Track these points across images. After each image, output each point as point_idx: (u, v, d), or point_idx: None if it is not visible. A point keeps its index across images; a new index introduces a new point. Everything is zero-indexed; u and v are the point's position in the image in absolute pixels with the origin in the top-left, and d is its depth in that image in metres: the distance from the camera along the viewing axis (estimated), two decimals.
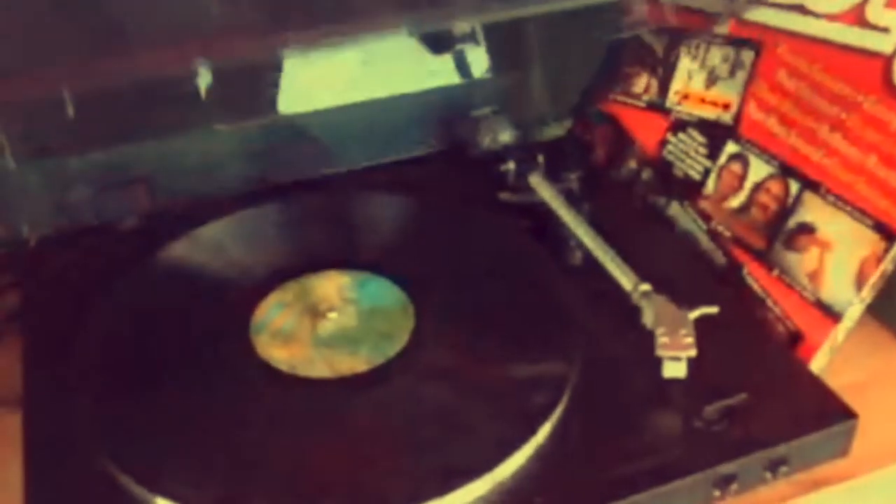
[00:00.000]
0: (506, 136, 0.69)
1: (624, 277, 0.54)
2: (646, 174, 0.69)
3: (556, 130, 0.80)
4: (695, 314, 0.51)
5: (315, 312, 0.53)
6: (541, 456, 0.46)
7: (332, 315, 0.53)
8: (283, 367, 0.50)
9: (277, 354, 0.51)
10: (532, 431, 0.47)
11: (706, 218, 0.63)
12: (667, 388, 0.50)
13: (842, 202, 0.53)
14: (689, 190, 0.64)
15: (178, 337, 0.52)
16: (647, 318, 0.52)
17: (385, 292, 0.55)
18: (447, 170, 0.71)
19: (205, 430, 0.47)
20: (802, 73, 0.56)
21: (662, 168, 0.67)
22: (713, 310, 0.51)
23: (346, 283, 0.56)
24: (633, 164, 0.71)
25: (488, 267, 0.59)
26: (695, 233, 0.63)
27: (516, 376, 0.51)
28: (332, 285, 0.56)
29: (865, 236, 0.52)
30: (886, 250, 0.50)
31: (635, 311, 0.54)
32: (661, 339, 0.49)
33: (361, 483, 0.45)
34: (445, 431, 0.47)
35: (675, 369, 0.49)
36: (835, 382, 0.56)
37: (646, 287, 0.53)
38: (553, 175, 0.66)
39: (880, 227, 0.51)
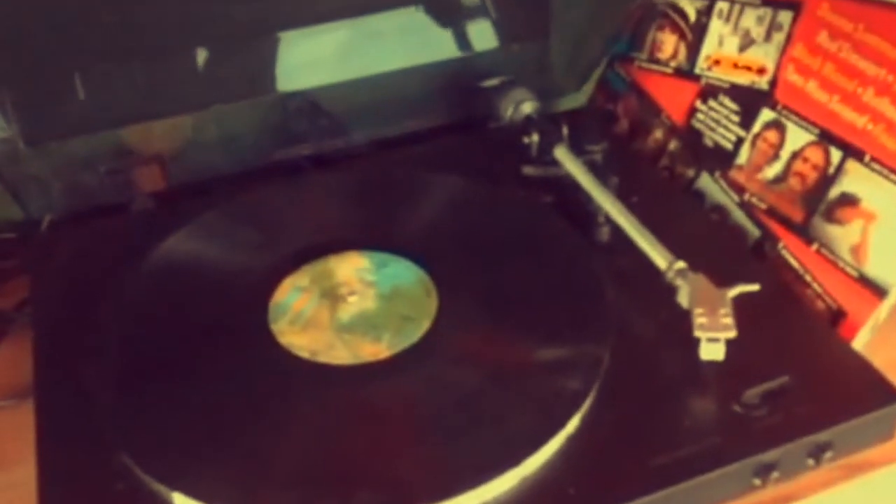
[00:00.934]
0: (528, 107, 0.66)
1: (658, 255, 0.52)
2: (673, 145, 0.66)
3: (576, 101, 0.77)
4: (734, 292, 0.48)
5: (334, 296, 0.51)
6: (573, 445, 0.44)
7: (353, 299, 0.51)
8: (304, 354, 0.48)
9: (297, 341, 0.49)
10: (562, 422, 0.44)
11: (739, 190, 0.60)
12: (704, 372, 0.47)
13: (888, 171, 0.50)
14: (721, 160, 0.61)
15: (194, 327, 0.50)
16: (683, 298, 0.49)
17: (406, 273, 0.53)
18: (467, 143, 0.69)
19: (225, 422, 0.45)
20: (845, 33, 0.53)
21: (691, 138, 0.64)
22: (753, 287, 0.49)
23: (365, 264, 0.54)
24: (659, 135, 0.68)
25: (513, 245, 0.56)
26: (727, 206, 0.61)
27: (545, 361, 0.49)
28: (350, 267, 0.53)
29: None
30: None
31: (668, 291, 0.51)
32: (699, 320, 0.47)
33: (387, 474, 0.43)
34: (471, 421, 0.45)
35: (713, 351, 0.47)
36: (875, 360, 0.54)
37: (681, 265, 0.50)
38: (575, 147, 0.64)
39: None
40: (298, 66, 0.67)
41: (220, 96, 0.65)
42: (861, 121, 0.52)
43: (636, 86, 0.69)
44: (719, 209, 0.61)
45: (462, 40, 0.73)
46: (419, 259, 0.54)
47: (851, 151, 0.52)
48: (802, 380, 0.47)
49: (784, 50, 0.57)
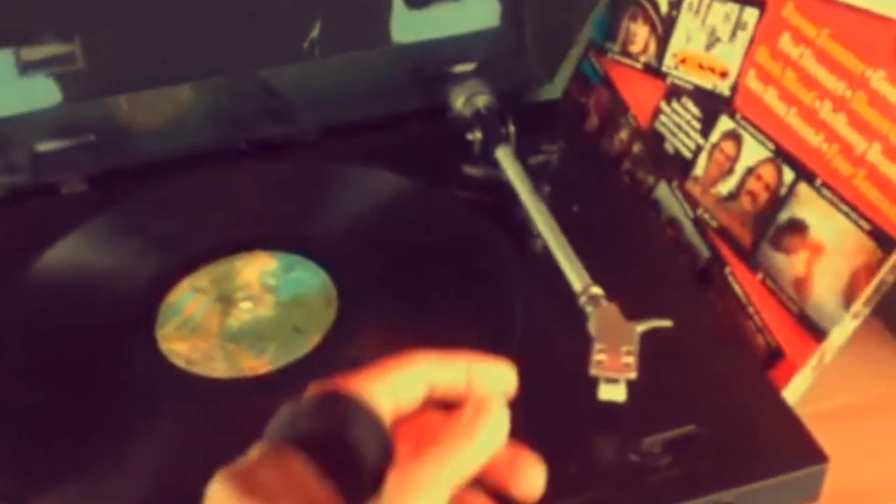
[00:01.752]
0: (480, 101, 0.61)
1: (575, 275, 0.47)
2: (637, 147, 0.61)
3: (553, 92, 0.72)
4: (643, 327, 0.44)
5: (230, 301, 0.48)
6: None
7: (246, 305, 0.48)
8: (181, 363, 0.45)
9: (178, 348, 0.46)
10: None
11: (694, 203, 0.54)
12: (605, 411, 0.43)
13: (838, 199, 0.44)
14: (680, 169, 0.56)
15: (83, 329, 0.47)
16: (592, 327, 0.45)
17: (311, 280, 0.49)
18: (423, 135, 0.65)
19: (84, 434, 0.43)
20: (808, 38, 0.47)
21: (653, 142, 0.59)
22: (666, 323, 0.44)
23: (271, 267, 0.50)
24: (624, 135, 0.62)
25: (436, 252, 0.52)
26: (680, 220, 0.55)
27: None
28: (255, 269, 0.50)
29: (860, 242, 0.43)
30: (882, 261, 0.42)
31: (582, 316, 0.47)
32: (598, 357, 0.42)
33: None
34: None
35: (612, 392, 0.42)
36: (823, 404, 0.49)
37: (596, 290, 0.46)
38: (531, 146, 0.59)
39: (878, 234, 0.42)
40: (247, 47, 0.64)
41: (165, 76, 0.62)
42: (816, 139, 0.46)
43: (608, 79, 0.64)
44: (673, 223, 0.56)
45: (430, 23, 0.68)
46: (328, 265, 0.51)
47: (803, 173, 0.47)
48: (714, 429, 0.42)
49: (747, 52, 0.51)
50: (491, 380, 0.34)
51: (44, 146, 0.59)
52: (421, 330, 0.48)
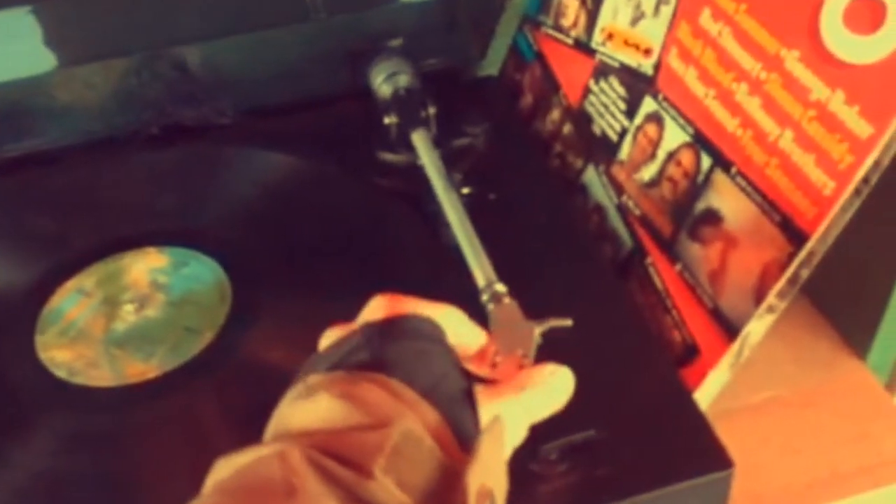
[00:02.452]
0: (402, 80, 0.58)
1: (478, 270, 0.45)
2: (567, 128, 0.58)
3: (491, 68, 0.69)
4: (542, 328, 0.41)
5: (115, 303, 0.46)
6: None
7: (130, 307, 0.46)
8: (61, 373, 0.43)
9: (60, 356, 0.44)
10: None
11: (618, 189, 0.52)
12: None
13: (751, 188, 0.41)
14: (606, 153, 0.53)
15: None
16: (491, 326, 0.42)
17: (205, 275, 0.47)
18: (349, 118, 0.62)
19: None
20: (727, 14, 0.44)
21: (582, 123, 0.56)
22: (565, 322, 0.41)
23: (162, 264, 0.48)
24: (556, 115, 0.59)
25: (337, 244, 0.50)
26: (606, 206, 0.53)
27: None
28: (144, 267, 0.48)
29: (771, 235, 0.40)
30: (792, 256, 0.39)
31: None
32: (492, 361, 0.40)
33: None
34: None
35: None
36: (746, 399, 0.47)
37: (500, 288, 0.43)
38: (455, 128, 0.56)
39: (787, 226, 0.39)
40: (159, 23, 0.61)
41: (67, 57, 0.59)
42: (732, 124, 0.43)
43: (540, 55, 0.61)
44: (599, 210, 0.53)
45: None
46: (223, 258, 0.48)
47: (720, 160, 0.44)
48: (616, 433, 0.40)
49: (669, 28, 0.48)
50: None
51: None
52: (319, 321, 0.45)
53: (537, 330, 0.41)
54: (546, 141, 0.60)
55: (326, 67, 0.65)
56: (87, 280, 0.47)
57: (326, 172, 0.54)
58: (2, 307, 0.46)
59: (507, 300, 0.42)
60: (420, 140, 0.53)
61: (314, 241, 0.50)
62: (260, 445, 0.29)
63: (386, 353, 0.32)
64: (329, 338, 0.34)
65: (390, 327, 0.33)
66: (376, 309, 0.34)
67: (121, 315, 0.45)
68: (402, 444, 0.28)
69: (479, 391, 0.33)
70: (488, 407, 0.33)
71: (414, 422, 0.29)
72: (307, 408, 0.30)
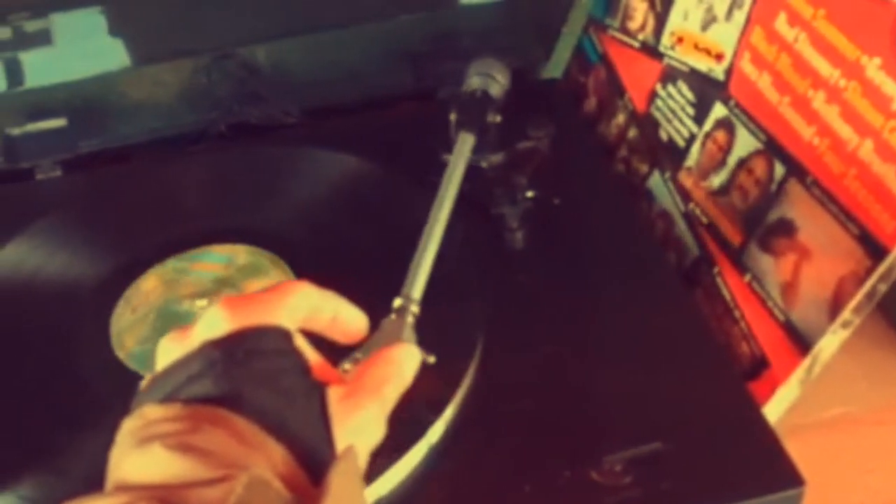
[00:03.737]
0: (492, 85, 0.56)
1: (413, 279, 0.42)
2: (633, 133, 0.57)
3: (553, 71, 0.68)
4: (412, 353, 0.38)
5: (184, 298, 0.47)
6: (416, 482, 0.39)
7: (201, 303, 0.46)
8: (136, 365, 0.44)
9: (134, 349, 0.44)
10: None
11: (685, 196, 0.51)
12: (565, 424, 0.41)
13: (827, 199, 0.40)
14: (673, 158, 0.52)
15: (32, 347, 0.45)
16: (378, 330, 0.40)
17: (270, 273, 0.47)
18: (412, 119, 0.62)
19: (46, 455, 0.41)
20: (804, 20, 0.43)
21: (648, 128, 0.55)
22: (429, 359, 0.39)
23: (229, 259, 0.49)
24: (621, 119, 0.59)
25: (401, 244, 0.49)
26: (672, 213, 0.52)
27: None
28: (209, 264, 0.48)
29: (848, 248, 0.39)
30: (870, 270, 0.38)
31: (551, 324, 0.45)
32: (345, 365, 0.38)
33: None
34: None
35: None
36: (816, 415, 0.46)
37: (413, 308, 0.41)
38: (519, 131, 0.56)
39: (866, 239, 0.38)
40: (228, 24, 0.62)
41: (138, 56, 0.60)
42: (808, 132, 0.42)
43: (606, 58, 0.60)
44: (665, 216, 0.53)
45: None
46: (287, 256, 0.48)
47: (794, 168, 0.43)
48: (683, 447, 0.39)
49: (743, 33, 0.47)
50: (355, 321, 0.36)
51: (16, 130, 0.58)
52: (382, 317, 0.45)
53: None
54: (610, 145, 0.59)
55: (390, 68, 0.66)
56: (157, 275, 0.48)
57: (391, 174, 0.54)
58: (76, 301, 0.47)
59: (409, 319, 0.41)
60: (463, 141, 0.52)
61: (377, 242, 0.50)
62: (102, 496, 0.26)
63: (230, 381, 0.28)
64: (166, 353, 0.31)
65: (234, 347, 0.29)
66: (216, 322, 0.30)
67: (192, 310, 0.46)
68: (246, 496, 0.25)
69: (338, 410, 0.30)
70: (352, 420, 0.30)
71: (260, 467, 0.26)
72: (142, 461, 0.27)
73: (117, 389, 0.43)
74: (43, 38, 0.58)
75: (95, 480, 0.39)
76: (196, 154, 0.59)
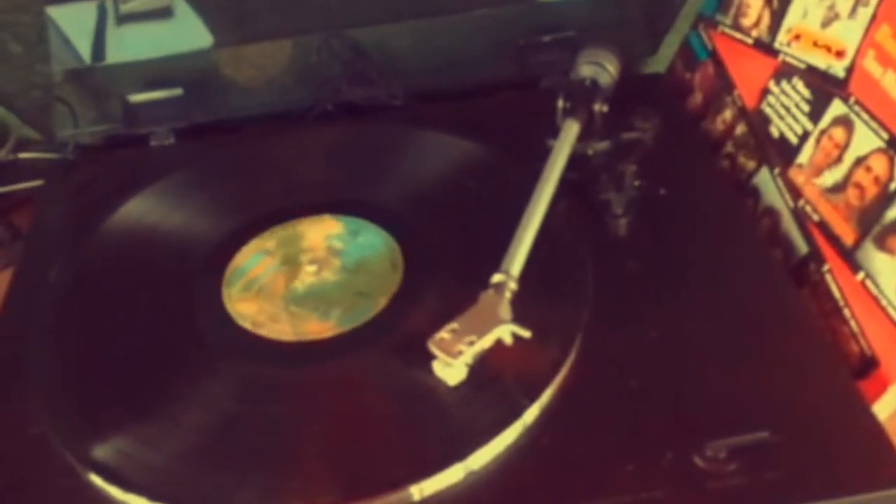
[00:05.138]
0: (586, 70, 0.57)
1: (513, 257, 0.44)
2: (740, 129, 0.57)
3: (657, 65, 0.68)
4: (506, 329, 0.41)
5: (295, 264, 0.48)
6: (515, 453, 0.39)
7: (311, 269, 0.48)
8: (246, 325, 0.45)
9: (245, 309, 0.46)
10: (496, 430, 0.40)
11: (795, 193, 0.50)
12: (671, 408, 0.41)
13: None
14: (783, 155, 0.52)
15: (149, 287, 0.48)
16: (476, 305, 0.43)
17: (377, 245, 0.49)
18: (515, 106, 0.62)
19: (148, 388, 0.43)
20: None
21: (758, 124, 0.54)
22: (524, 333, 0.41)
23: (337, 231, 0.50)
24: (728, 116, 0.58)
25: (503, 223, 0.50)
26: (779, 210, 0.51)
27: (499, 357, 0.43)
28: (321, 233, 0.50)
29: None
30: None
31: (659, 307, 0.45)
32: (442, 334, 0.41)
33: (315, 461, 0.40)
34: (414, 411, 0.41)
35: (444, 371, 0.41)
36: None
37: (511, 284, 0.43)
38: (624, 123, 0.56)
39: None
40: (340, 6, 0.63)
41: (253, 32, 0.62)
42: None
43: (715, 54, 0.60)
44: (772, 213, 0.52)
45: None
46: (395, 229, 0.49)
47: None
48: (790, 438, 0.39)
49: (867, 31, 0.46)
50: None
51: (136, 97, 0.60)
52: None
53: (499, 329, 0.41)
54: (715, 141, 0.59)
55: (494, 57, 0.67)
56: (267, 242, 0.50)
57: (495, 157, 0.55)
58: (190, 263, 0.49)
59: (506, 295, 0.43)
60: (569, 128, 0.52)
61: (479, 222, 0.50)
62: None
63: None
64: None
65: None
66: None
67: (301, 276, 0.48)
68: None
69: None
70: None
71: None
72: None
73: (226, 343, 0.45)
74: (165, 13, 0.60)
75: (200, 431, 0.41)
76: (312, 127, 0.61)
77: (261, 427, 0.41)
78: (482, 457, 0.39)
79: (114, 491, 0.39)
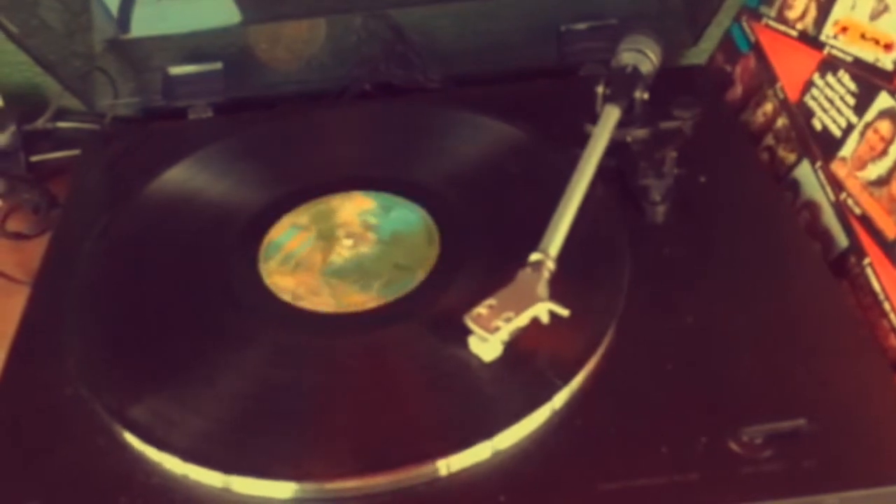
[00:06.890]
0: (628, 57, 0.56)
1: (551, 236, 0.44)
2: (781, 122, 0.56)
3: (697, 56, 0.67)
4: (545, 307, 0.41)
5: (331, 239, 0.48)
6: (544, 433, 0.39)
7: (348, 242, 0.48)
8: (286, 297, 0.45)
9: (283, 282, 0.46)
10: (534, 405, 0.39)
11: (837, 187, 0.50)
12: (707, 392, 0.41)
13: None
14: (825, 148, 0.51)
15: (184, 259, 0.48)
16: (513, 282, 0.43)
17: (411, 219, 0.49)
18: (549, 90, 0.62)
19: (188, 359, 0.43)
20: None
21: (800, 117, 0.54)
22: (563, 312, 0.41)
23: (370, 206, 0.50)
24: (769, 108, 0.58)
25: (535, 201, 0.50)
26: (819, 203, 0.51)
27: (538, 332, 0.43)
28: (354, 209, 0.50)
29: None
30: None
31: (696, 292, 0.45)
32: (479, 309, 0.41)
33: (347, 430, 0.40)
34: (446, 387, 0.41)
35: (479, 346, 0.41)
36: None
37: (549, 264, 0.43)
38: (664, 112, 0.56)
39: None
40: None
41: (293, 9, 0.62)
42: None
43: (758, 47, 0.59)
44: (811, 206, 0.52)
45: None
46: (428, 205, 0.49)
47: None
48: (826, 427, 0.39)
49: None
50: None
51: (176, 70, 0.61)
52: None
53: (538, 306, 0.41)
54: (755, 134, 0.58)
55: (535, 42, 0.67)
56: (301, 217, 0.50)
57: (533, 140, 0.54)
58: (226, 234, 0.49)
59: (545, 274, 0.43)
60: (608, 114, 0.52)
61: (514, 204, 0.50)
62: None
63: None
64: None
65: None
66: None
67: (337, 249, 0.48)
68: None
69: None
70: None
71: None
72: None
73: (268, 314, 0.45)
74: None
75: (236, 397, 0.42)
76: (352, 105, 0.61)
77: (297, 395, 0.41)
78: (509, 437, 0.39)
79: (149, 451, 0.39)
